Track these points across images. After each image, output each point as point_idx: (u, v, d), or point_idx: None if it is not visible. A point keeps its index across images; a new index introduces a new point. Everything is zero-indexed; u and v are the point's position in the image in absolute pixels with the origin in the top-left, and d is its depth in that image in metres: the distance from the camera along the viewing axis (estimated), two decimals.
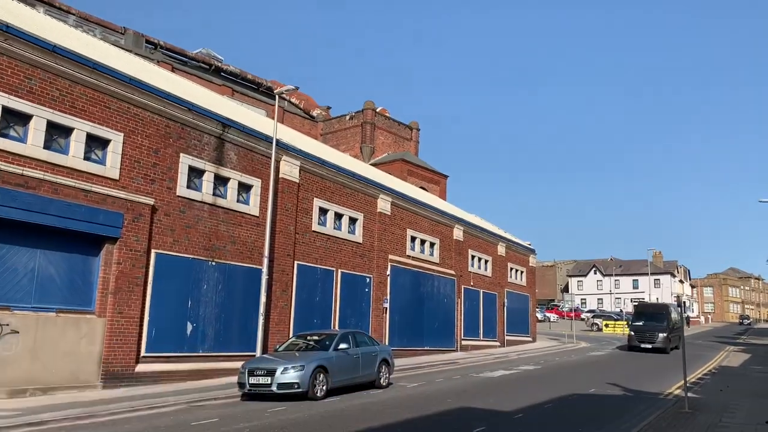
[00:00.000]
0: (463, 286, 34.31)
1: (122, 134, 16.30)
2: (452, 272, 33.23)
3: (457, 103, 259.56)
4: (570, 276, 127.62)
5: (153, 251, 16.93)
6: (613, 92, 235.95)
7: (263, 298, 19.41)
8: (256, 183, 20.58)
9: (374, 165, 48.43)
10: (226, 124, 19.39)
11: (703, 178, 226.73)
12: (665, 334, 33.78)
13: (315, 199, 23.35)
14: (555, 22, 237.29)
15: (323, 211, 23.93)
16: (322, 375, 14.90)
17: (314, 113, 57.38)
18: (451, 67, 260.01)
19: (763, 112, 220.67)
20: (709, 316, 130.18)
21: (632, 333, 35.48)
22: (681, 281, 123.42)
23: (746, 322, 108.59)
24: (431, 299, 30.85)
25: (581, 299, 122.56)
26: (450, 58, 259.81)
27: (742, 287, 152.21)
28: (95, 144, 15.81)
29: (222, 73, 58.86)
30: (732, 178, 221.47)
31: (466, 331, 34.28)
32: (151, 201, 16.81)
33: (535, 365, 26.41)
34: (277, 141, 21.19)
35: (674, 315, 36.79)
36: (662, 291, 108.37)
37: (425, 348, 29.93)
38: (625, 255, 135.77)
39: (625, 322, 61.37)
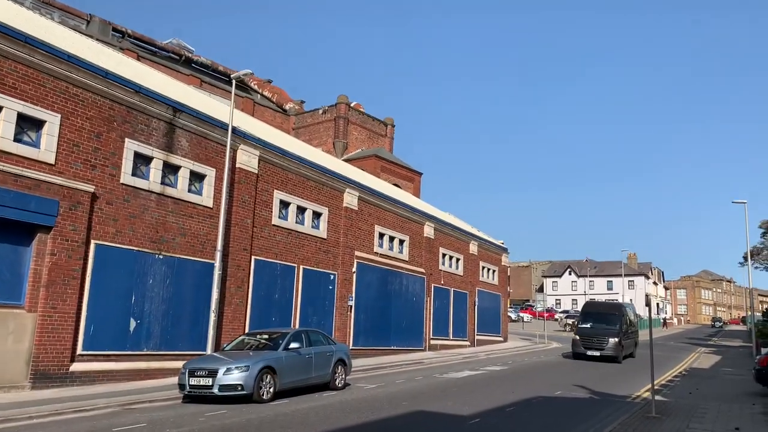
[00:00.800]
0: (433, 285, 33.48)
1: (59, 115, 15.12)
2: (422, 270, 32.37)
3: (436, 100, 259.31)
4: (545, 276, 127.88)
5: (93, 242, 15.76)
6: (591, 92, 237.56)
7: (215, 294, 18.34)
8: (209, 172, 19.48)
9: (347, 161, 47.41)
10: (178, 108, 18.27)
11: (678, 180, 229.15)
12: (616, 339, 28.44)
13: (276, 191, 22.30)
14: (540, 18, 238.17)
15: (284, 204, 22.89)
16: (269, 376, 13.91)
17: (287, 107, 56.19)
18: (432, 64, 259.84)
19: (737, 111, 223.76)
20: (682, 318, 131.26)
21: (577, 337, 29.78)
22: (655, 283, 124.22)
23: (718, 324, 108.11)
24: (399, 297, 29.96)
25: (556, 300, 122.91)
26: (429, 55, 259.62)
27: (714, 290, 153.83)
28: (28, 125, 14.63)
29: (192, 65, 57.45)
30: (707, 181, 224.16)
31: (436, 330, 33.44)
32: (91, 188, 15.65)
33: (503, 366, 25.65)
34: (234, 128, 20.12)
35: (631, 316, 32.84)
36: (636, 292, 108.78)
37: (392, 347, 29.02)
38: (601, 256, 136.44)
39: None
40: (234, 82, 20.31)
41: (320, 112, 51.99)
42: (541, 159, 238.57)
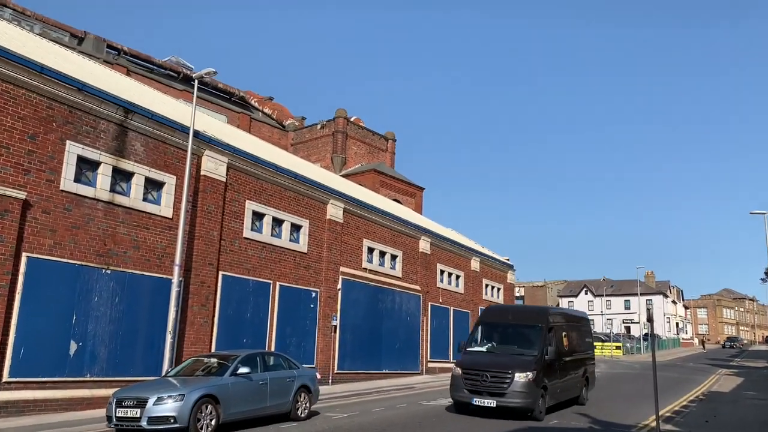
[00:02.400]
0: (430, 303, 31.48)
1: None
2: (417, 288, 30.42)
3: (442, 115, 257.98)
4: (560, 296, 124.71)
5: (24, 255, 14.10)
6: (605, 104, 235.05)
7: (172, 314, 16.56)
8: (169, 180, 17.83)
9: (345, 176, 45.81)
10: (129, 109, 16.67)
11: (696, 197, 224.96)
12: (528, 375, 15.31)
13: (248, 201, 20.60)
14: (544, 28, 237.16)
15: (258, 216, 21.17)
16: (209, 406, 12.01)
17: (286, 123, 54.86)
18: (437, 81, 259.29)
19: (755, 126, 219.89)
20: (703, 337, 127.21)
21: (458, 371, 16.36)
22: (674, 302, 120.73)
23: (732, 345, 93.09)
24: (391, 317, 28.00)
25: None
26: (437, 70, 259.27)
27: (736, 308, 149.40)
28: None
29: (191, 82, 56.47)
30: (725, 196, 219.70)
31: (434, 352, 31.37)
32: (22, 195, 14.02)
33: None
34: (197, 133, 18.52)
35: (577, 333, 19.50)
36: (654, 311, 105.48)
37: (383, 371, 26.99)
38: (618, 275, 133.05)
39: (614, 345, 58.78)
40: (196, 82, 18.64)
41: (318, 127, 50.56)
42: (555, 174, 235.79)
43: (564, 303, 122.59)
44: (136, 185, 16.95)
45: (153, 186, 17.55)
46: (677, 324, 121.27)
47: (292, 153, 49.43)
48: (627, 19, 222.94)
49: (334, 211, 24.75)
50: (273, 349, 21.10)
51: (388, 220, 28.61)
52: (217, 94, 56.42)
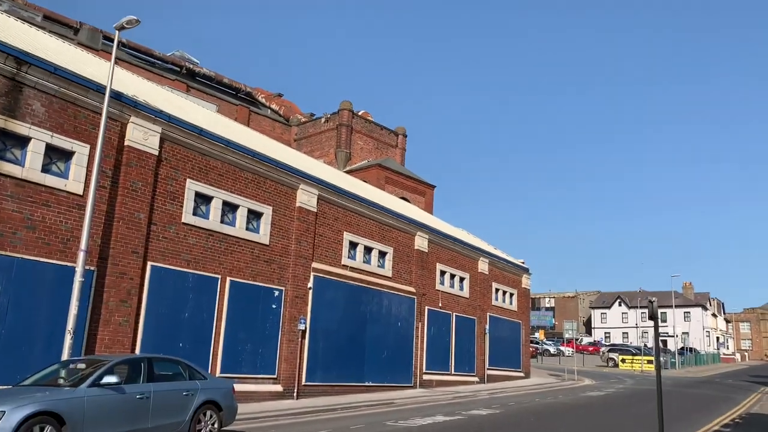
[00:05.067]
0: (426, 307, 27.96)
1: None
2: (411, 289, 26.95)
3: (462, 113, 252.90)
4: (593, 308, 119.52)
5: None
6: (642, 99, 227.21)
7: (74, 309, 13.51)
8: (80, 149, 14.84)
9: (349, 172, 42.66)
10: (23, 59, 13.75)
11: (740, 203, 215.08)
12: None
13: (189, 180, 17.52)
14: (559, 24, 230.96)
15: (204, 199, 18.08)
16: (48, 427, 8.86)
17: (291, 118, 52.04)
18: (456, 73, 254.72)
19: None
20: (746, 353, 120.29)
21: None
22: (714, 315, 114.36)
23: None
24: (378, 321, 24.59)
25: (605, 333, 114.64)
26: (453, 65, 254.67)
27: None
28: None
29: (197, 77, 54.24)
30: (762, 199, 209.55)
31: (431, 363, 27.80)
32: None
33: (496, 409, 19.89)
34: (119, 95, 15.58)
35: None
36: (692, 325, 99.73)
37: (366, 384, 23.54)
38: (655, 287, 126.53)
39: (646, 358, 54.19)
40: (117, 33, 15.60)
41: (322, 120, 47.50)
42: (585, 176, 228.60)
43: (597, 315, 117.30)
44: (33, 153, 13.98)
45: (58, 155, 14.57)
46: (717, 338, 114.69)
47: (296, 149, 46.55)
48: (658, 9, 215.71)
49: (306, 198, 21.53)
50: (221, 356, 17.95)
51: (375, 211, 25.26)
52: (220, 89, 53.98)
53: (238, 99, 54.28)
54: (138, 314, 15.84)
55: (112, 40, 49.13)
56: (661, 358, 58.80)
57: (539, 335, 65.12)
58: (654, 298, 9.72)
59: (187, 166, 17.53)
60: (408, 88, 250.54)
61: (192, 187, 17.57)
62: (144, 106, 16.32)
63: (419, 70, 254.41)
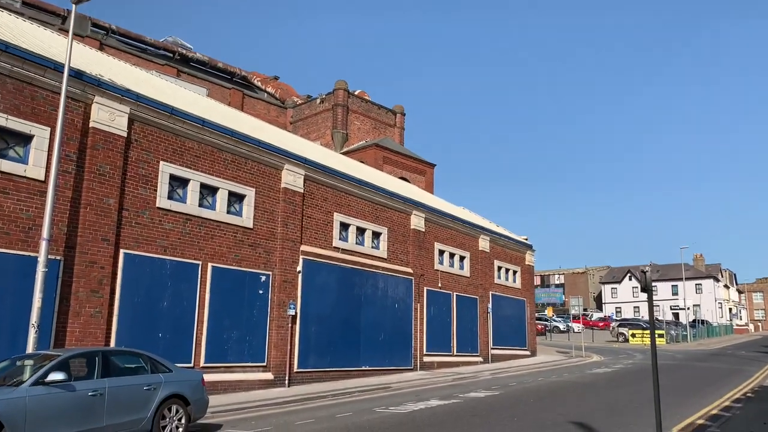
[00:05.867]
0: (425, 288, 27.13)
1: None
2: (408, 270, 26.11)
3: (461, 87, 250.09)
4: (603, 283, 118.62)
5: None
6: (645, 61, 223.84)
7: (37, 302, 12.72)
8: (39, 132, 14.00)
9: (346, 153, 41.72)
10: None
11: (750, 171, 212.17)
12: None
13: (163, 163, 16.67)
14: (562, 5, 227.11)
15: (180, 182, 17.23)
16: None
17: (287, 101, 51.03)
18: (455, 48, 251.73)
19: None
20: (759, 324, 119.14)
21: None
22: (726, 286, 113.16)
23: None
24: (373, 304, 23.79)
25: (616, 308, 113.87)
26: (453, 40, 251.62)
27: None
28: None
29: (191, 63, 53.33)
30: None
31: (431, 344, 27.02)
32: None
33: (495, 390, 19.09)
34: (80, 74, 14.69)
35: None
36: (703, 297, 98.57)
37: (362, 368, 22.81)
38: (665, 260, 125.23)
39: (657, 332, 53.22)
40: (74, 6, 14.66)
41: (318, 101, 46.42)
42: (593, 151, 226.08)
43: (607, 290, 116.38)
44: None
45: (15, 139, 13.75)
46: (730, 309, 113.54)
47: (291, 131, 45.62)
48: None
49: (292, 178, 20.64)
50: (205, 345, 17.21)
51: (367, 191, 24.35)
52: (214, 74, 53.03)
53: (233, 83, 53.35)
54: (112, 305, 15.09)
55: (100, 27, 48.34)
56: (672, 332, 57.96)
57: (547, 312, 64.32)
58: (647, 269, 8.81)
59: (160, 147, 16.66)
60: (408, 66, 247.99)
61: (166, 169, 16.72)
62: (109, 85, 15.42)
63: (419, 47, 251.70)
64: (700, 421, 13.72)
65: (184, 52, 53.03)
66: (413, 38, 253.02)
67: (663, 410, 15.36)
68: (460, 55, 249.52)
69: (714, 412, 15.16)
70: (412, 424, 12.61)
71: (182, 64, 51.69)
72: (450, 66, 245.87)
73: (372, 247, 24.50)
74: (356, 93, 46.91)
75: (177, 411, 10.74)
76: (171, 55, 52.02)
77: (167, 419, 10.54)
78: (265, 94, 55.79)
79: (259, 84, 56.19)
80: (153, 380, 10.52)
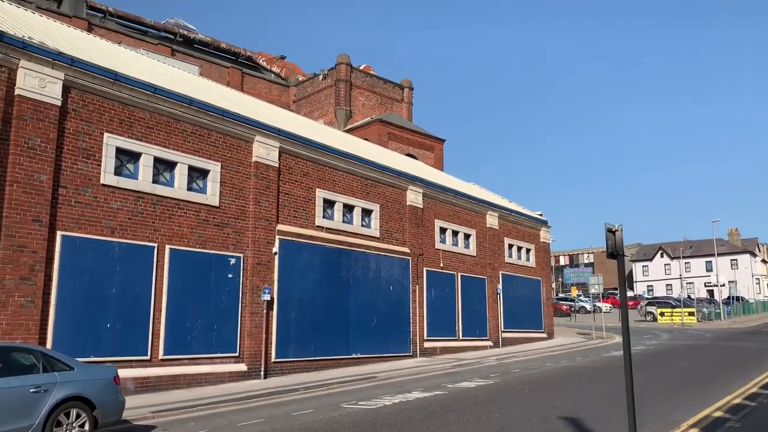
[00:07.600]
0: (425, 269, 25.22)
1: None
2: (405, 249, 24.23)
3: (477, 63, 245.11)
4: (634, 261, 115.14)
5: None
6: (662, 32, 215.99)
7: None
8: None
9: (349, 131, 39.84)
10: None
11: None
12: None
13: (107, 135, 15.02)
14: None
15: (129, 156, 15.57)
16: None
17: (290, 79, 49.24)
18: (472, 23, 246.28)
19: None
20: None
21: None
22: (764, 261, 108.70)
23: None
24: (364, 287, 22.00)
25: (647, 286, 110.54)
26: (466, 12, 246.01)
27: None
28: None
29: (194, 44, 51.84)
30: None
31: (433, 328, 25.16)
32: None
33: (491, 379, 17.20)
34: (1, 34, 13.06)
35: None
36: (739, 273, 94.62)
37: (352, 356, 21.09)
38: (699, 235, 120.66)
39: (687, 310, 50.57)
40: None
41: (320, 77, 44.49)
42: (621, 121, 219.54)
43: (638, 268, 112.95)
44: None
45: None
46: None
47: (294, 111, 43.90)
48: None
49: (264, 151, 18.87)
50: (164, 335, 15.63)
51: (355, 164, 22.46)
52: (217, 54, 51.49)
53: (239, 64, 51.75)
54: (48, 293, 13.56)
55: (96, 9, 47.07)
56: (705, 309, 55.06)
57: (572, 292, 61.88)
58: (616, 228, 6.80)
59: (104, 118, 15.01)
60: (416, 39, 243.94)
61: (112, 142, 15.07)
62: (38, 48, 13.78)
63: (428, 19, 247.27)
64: (718, 413, 11.72)
65: (186, 33, 51.56)
66: (425, 5, 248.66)
67: (675, 398, 13.36)
68: (475, 16, 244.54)
69: (737, 401, 13.10)
70: (369, 424, 10.79)
71: (184, 45, 50.26)
72: (462, 35, 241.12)
73: (362, 226, 22.67)
74: (361, 68, 44.89)
75: (78, 416, 9.11)
76: (173, 36, 50.60)
77: (64, 425, 8.92)
78: (272, 74, 54.08)
79: (264, 64, 54.51)
80: (45, 380, 8.88)
